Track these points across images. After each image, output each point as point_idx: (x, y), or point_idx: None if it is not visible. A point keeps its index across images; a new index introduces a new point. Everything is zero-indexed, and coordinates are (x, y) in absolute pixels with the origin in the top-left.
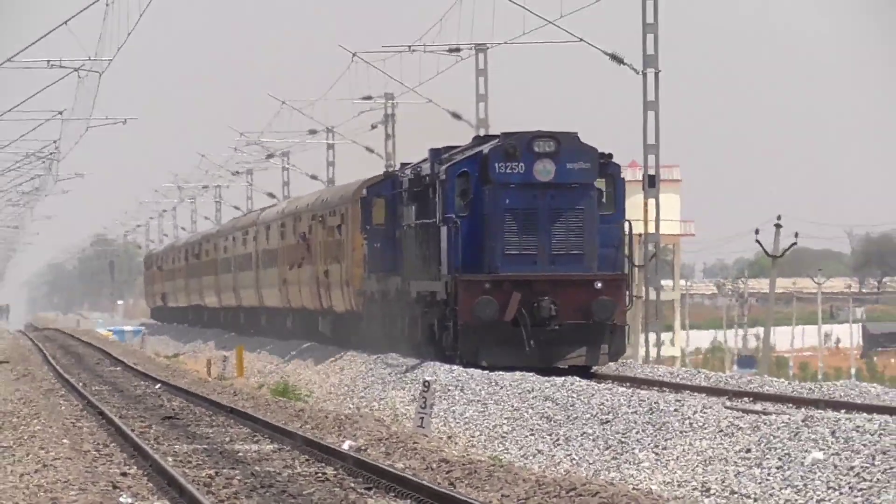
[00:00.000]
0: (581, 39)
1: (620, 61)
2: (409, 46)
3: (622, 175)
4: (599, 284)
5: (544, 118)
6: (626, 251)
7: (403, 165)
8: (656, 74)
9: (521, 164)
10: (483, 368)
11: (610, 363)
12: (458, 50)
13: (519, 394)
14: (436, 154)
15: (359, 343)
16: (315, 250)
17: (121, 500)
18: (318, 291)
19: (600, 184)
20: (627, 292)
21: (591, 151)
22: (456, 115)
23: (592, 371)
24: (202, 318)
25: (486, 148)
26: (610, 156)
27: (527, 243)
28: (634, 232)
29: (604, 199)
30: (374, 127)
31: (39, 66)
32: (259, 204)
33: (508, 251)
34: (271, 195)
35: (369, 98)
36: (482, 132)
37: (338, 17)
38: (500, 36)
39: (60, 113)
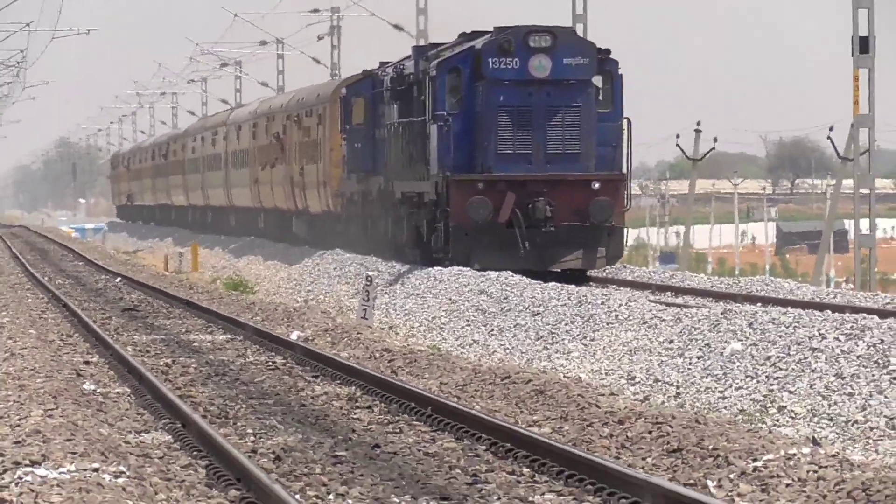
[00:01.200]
0: None
1: None
2: None
3: (620, 71)
4: (597, 185)
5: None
6: (626, 151)
7: (383, 65)
8: None
9: (516, 59)
10: (476, 271)
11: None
12: None
13: (456, 287)
14: (420, 52)
15: (335, 243)
16: (290, 151)
17: (84, 386)
18: (292, 192)
19: (597, 81)
20: (626, 193)
21: (589, 46)
22: (398, 27)
23: (588, 275)
24: (169, 216)
25: (478, 43)
26: (608, 51)
27: (521, 142)
28: None
29: (601, 97)
30: (320, 38)
31: None
32: (213, 110)
33: (502, 150)
34: (224, 101)
35: (316, 11)
36: (421, 42)
37: None
38: None
39: (28, 24)
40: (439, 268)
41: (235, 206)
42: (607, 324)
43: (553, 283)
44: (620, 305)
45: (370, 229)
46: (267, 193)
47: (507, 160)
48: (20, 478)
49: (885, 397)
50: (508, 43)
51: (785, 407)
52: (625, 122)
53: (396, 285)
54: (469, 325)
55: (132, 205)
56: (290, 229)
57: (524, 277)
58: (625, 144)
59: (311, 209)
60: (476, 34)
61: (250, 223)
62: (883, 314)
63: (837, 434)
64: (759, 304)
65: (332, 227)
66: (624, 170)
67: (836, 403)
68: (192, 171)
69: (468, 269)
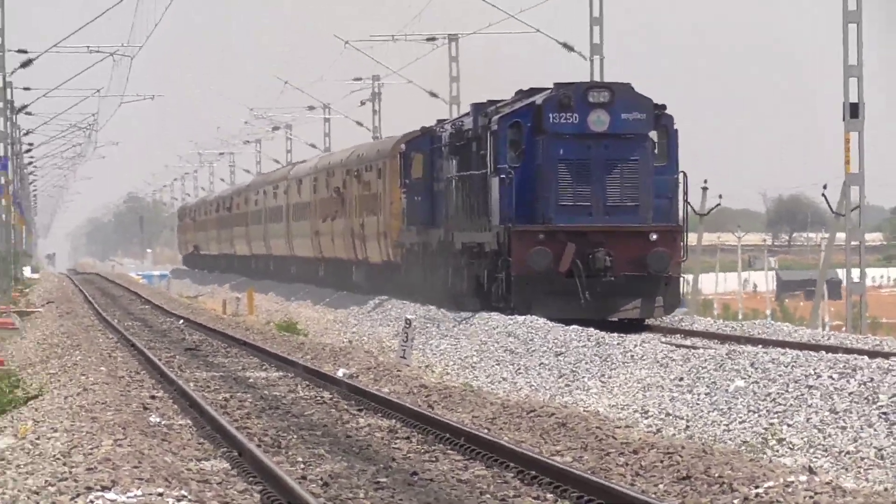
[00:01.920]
0: (537, 30)
1: (571, 49)
2: (393, 36)
3: (675, 126)
4: (655, 236)
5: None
6: (682, 203)
7: (440, 122)
8: (601, 60)
9: (576, 114)
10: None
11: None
12: (433, 39)
13: (486, 330)
14: (478, 108)
15: (395, 291)
16: (349, 203)
17: (150, 419)
18: (352, 243)
19: (652, 135)
20: (682, 244)
21: (645, 101)
22: (433, 94)
23: (647, 324)
24: (232, 264)
25: (538, 98)
26: (663, 106)
27: (581, 194)
28: None
29: (656, 151)
30: (363, 104)
31: (80, 51)
32: (266, 168)
33: (562, 202)
34: (276, 161)
35: (359, 79)
36: (454, 109)
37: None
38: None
39: (98, 91)
40: (470, 311)
41: (297, 256)
42: (623, 363)
43: (574, 326)
44: (635, 346)
45: (429, 279)
46: (327, 244)
47: (568, 211)
48: (91, 501)
49: (875, 430)
50: (568, 98)
51: (784, 439)
52: (681, 175)
53: (432, 327)
54: (498, 364)
55: (198, 254)
56: (349, 278)
57: (548, 321)
58: (680, 196)
59: (371, 259)
60: (534, 91)
61: (311, 272)
62: (872, 355)
63: (832, 463)
64: (760, 346)
65: (392, 276)
66: (680, 221)
67: (830, 436)
68: (254, 222)
69: (496, 313)
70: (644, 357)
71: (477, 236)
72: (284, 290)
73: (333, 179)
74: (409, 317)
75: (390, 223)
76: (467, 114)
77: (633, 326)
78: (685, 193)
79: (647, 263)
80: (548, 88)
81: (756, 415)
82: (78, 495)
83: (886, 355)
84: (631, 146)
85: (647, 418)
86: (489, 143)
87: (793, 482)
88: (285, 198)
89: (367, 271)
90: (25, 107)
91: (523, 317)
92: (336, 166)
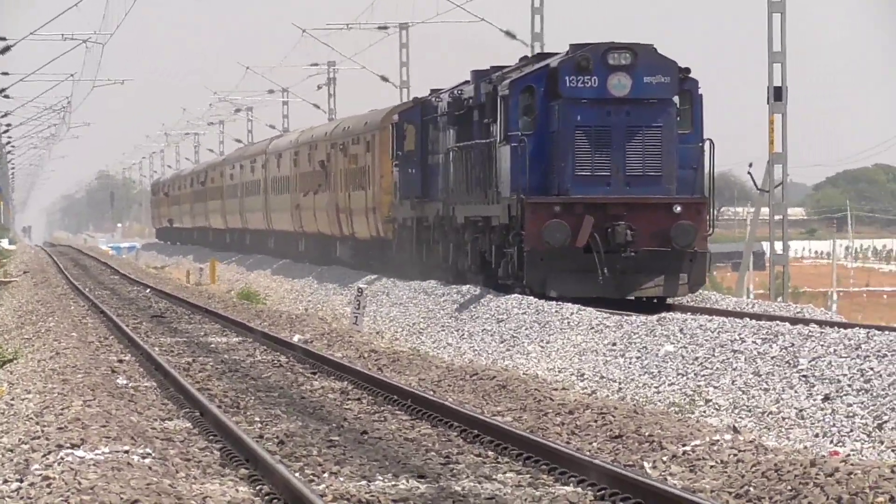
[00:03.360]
0: (482, 19)
1: (513, 37)
2: (348, 24)
3: (700, 91)
4: (679, 208)
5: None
6: (708, 173)
7: (434, 91)
8: (542, 47)
9: (594, 77)
10: (551, 299)
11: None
12: (385, 28)
13: (433, 298)
14: (479, 75)
15: (385, 268)
16: (334, 177)
17: (117, 381)
18: (336, 217)
19: (676, 100)
20: (709, 217)
21: (670, 64)
22: (384, 79)
23: (668, 302)
24: (207, 238)
25: (554, 61)
26: (688, 70)
27: (600, 163)
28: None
29: (679, 117)
30: (319, 88)
31: (55, 38)
32: (229, 148)
33: (580, 172)
34: (238, 140)
35: (316, 64)
36: (404, 92)
37: None
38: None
39: (72, 75)
40: (418, 280)
41: (275, 230)
42: (560, 329)
43: (515, 295)
44: (572, 314)
45: (426, 255)
46: (309, 218)
47: (585, 182)
48: (62, 458)
49: (796, 392)
50: (587, 60)
51: (710, 400)
52: (707, 144)
53: (383, 296)
54: (444, 331)
55: (171, 227)
56: (332, 253)
57: (490, 290)
58: (706, 166)
59: (358, 234)
60: (543, 55)
61: (290, 246)
62: (794, 322)
63: (755, 423)
64: (688, 313)
65: (381, 252)
66: (706, 193)
67: (753, 397)
68: (230, 196)
69: (441, 282)
70: (580, 324)
71: (482, 209)
72: (259, 263)
73: (316, 153)
74: (360, 286)
75: (380, 198)
76: (466, 82)
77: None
78: (712, 163)
79: (670, 238)
80: (556, 53)
81: (684, 377)
82: (49, 452)
83: (807, 322)
84: (654, 112)
85: (582, 381)
86: (499, 109)
87: (718, 441)
88: (263, 172)
89: (353, 247)
90: (3, 90)
91: (466, 287)
92: (320, 140)
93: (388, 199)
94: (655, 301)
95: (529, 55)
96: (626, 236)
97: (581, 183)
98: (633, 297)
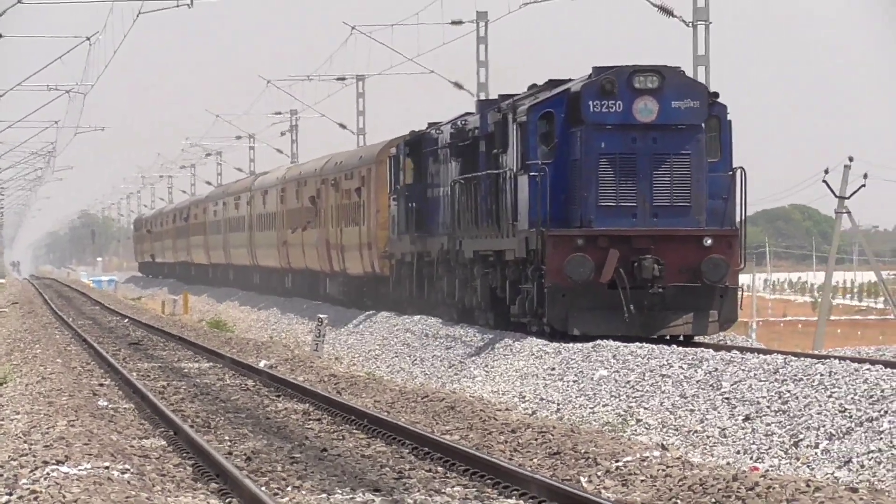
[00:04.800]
0: (432, 71)
1: (460, 87)
2: (308, 76)
3: (728, 117)
4: (709, 241)
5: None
6: (740, 203)
7: (432, 125)
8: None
9: (619, 102)
10: (573, 338)
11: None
12: (343, 79)
13: (387, 327)
14: (485, 105)
15: (379, 305)
16: (325, 213)
17: (99, 402)
18: (327, 254)
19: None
20: (740, 250)
21: (699, 88)
22: (342, 125)
23: (696, 341)
24: (189, 272)
25: (575, 85)
26: (716, 95)
27: (625, 193)
28: None
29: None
30: (283, 134)
31: (41, 88)
32: (200, 188)
33: (604, 202)
34: (209, 182)
35: (279, 113)
36: (361, 139)
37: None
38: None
39: (56, 122)
40: (373, 310)
41: (260, 266)
42: (504, 356)
43: (462, 325)
44: (514, 341)
45: (428, 291)
46: (297, 254)
47: (610, 213)
48: (48, 473)
49: (719, 412)
50: (611, 84)
51: (641, 420)
52: (738, 172)
53: (341, 326)
54: (397, 357)
55: (154, 262)
56: (320, 289)
57: (440, 320)
58: (738, 196)
59: (350, 271)
60: (554, 83)
61: (276, 282)
62: (717, 348)
63: (681, 441)
64: (619, 341)
65: (375, 289)
66: (737, 224)
67: (680, 417)
68: (213, 232)
69: (392, 312)
70: (521, 350)
71: (494, 243)
72: (226, 294)
73: (305, 189)
74: (321, 316)
75: (376, 233)
76: (468, 114)
77: None
78: (743, 192)
79: (700, 272)
80: (568, 80)
81: (617, 399)
82: (36, 468)
83: (729, 348)
84: (682, 139)
85: (524, 402)
86: (514, 137)
87: (648, 457)
88: (248, 208)
89: (343, 283)
90: None
91: (418, 317)
92: (309, 176)
93: (385, 235)
94: (682, 339)
95: (481, 98)
96: (654, 271)
97: (605, 214)
98: (666, 335)
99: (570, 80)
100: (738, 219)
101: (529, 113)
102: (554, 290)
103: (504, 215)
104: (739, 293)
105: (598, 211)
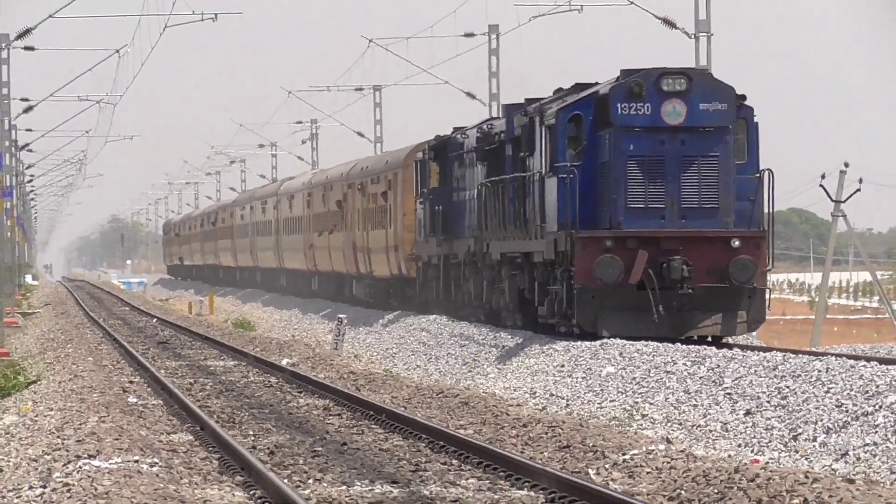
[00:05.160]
0: (446, 82)
1: (473, 97)
2: (328, 87)
3: (755, 119)
4: (737, 242)
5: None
6: (768, 205)
7: (457, 129)
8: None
9: (648, 104)
10: (602, 338)
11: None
12: (361, 89)
13: (403, 326)
14: (512, 109)
15: (406, 306)
16: (350, 217)
17: (129, 399)
18: (353, 256)
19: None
20: (767, 251)
21: (727, 90)
22: (360, 134)
23: (724, 342)
24: (217, 275)
25: (603, 87)
26: (743, 97)
27: (654, 195)
28: None
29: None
30: (303, 142)
31: (72, 99)
32: (225, 194)
33: (632, 204)
34: (233, 189)
35: (300, 122)
36: (378, 147)
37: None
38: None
39: (87, 132)
40: (391, 310)
41: (286, 268)
42: (515, 353)
43: (475, 323)
44: (524, 339)
45: (455, 293)
46: (323, 257)
47: (638, 215)
48: (80, 467)
49: (721, 408)
50: (639, 86)
51: (646, 415)
52: (766, 174)
53: (360, 325)
54: (413, 354)
55: (182, 264)
56: (346, 290)
57: (453, 319)
58: (765, 198)
59: (377, 273)
60: (581, 86)
61: (302, 284)
62: (719, 346)
63: (685, 435)
64: (625, 339)
65: (401, 291)
66: (764, 226)
67: (684, 412)
68: (240, 235)
69: (408, 312)
70: (532, 348)
71: (522, 245)
72: (270, 299)
73: (332, 193)
74: (340, 315)
75: (403, 235)
76: (494, 118)
77: None
78: (771, 193)
79: (729, 273)
80: (595, 84)
81: (623, 395)
82: (69, 462)
83: (730, 346)
84: (710, 141)
85: (534, 398)
86: (542, 139)
87: (653, 450)
88: (275, 213)
89: (370, 285)
90: (27, 145)
91: (433, 316)
92: (335, 180)
93: (411, 237)
94: (710, 339)
95: (488, 113)
96: (683, 272)
97: (634, 216)
98: (695, 336)
99: (596, 83)
100: (765, 220)
101: (558, 115)
102: (583, 291)
103: (532, 217)
104: (768, 294)
105: (627, 212)
